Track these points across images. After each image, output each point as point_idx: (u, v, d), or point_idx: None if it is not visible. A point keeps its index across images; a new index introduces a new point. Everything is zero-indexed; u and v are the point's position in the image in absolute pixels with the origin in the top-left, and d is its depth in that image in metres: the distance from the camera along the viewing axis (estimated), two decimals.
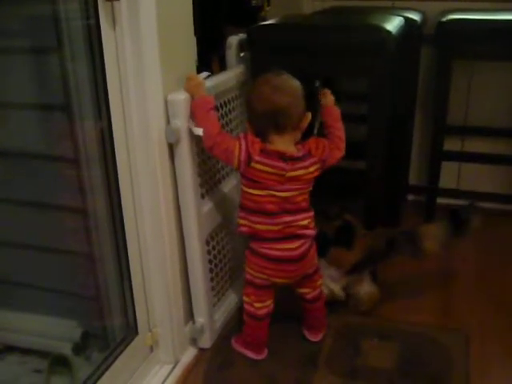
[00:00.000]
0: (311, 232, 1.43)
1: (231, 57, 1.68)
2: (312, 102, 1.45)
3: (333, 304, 1.65)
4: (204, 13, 1.58)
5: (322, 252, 1.52)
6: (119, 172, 1.30)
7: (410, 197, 2.48)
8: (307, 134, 1.43)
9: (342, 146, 1.46)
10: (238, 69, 1.67)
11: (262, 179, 1.35)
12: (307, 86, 1.40)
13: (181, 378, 1.46)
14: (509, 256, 2.05)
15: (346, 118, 1.50)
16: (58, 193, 1.45)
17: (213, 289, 1.58)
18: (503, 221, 2.31)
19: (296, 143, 1.38)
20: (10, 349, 1.55)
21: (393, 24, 1.65)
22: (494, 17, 1.97)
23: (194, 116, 1.34)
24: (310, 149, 1.39)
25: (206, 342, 1.55)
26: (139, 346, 1.43)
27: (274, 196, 1.36)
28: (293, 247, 1.40)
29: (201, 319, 1.52)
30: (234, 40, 1.67)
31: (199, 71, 1.46)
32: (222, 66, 1.71)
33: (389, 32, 1.55)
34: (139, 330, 1.43)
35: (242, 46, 1.70)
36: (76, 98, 1.31)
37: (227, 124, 1.59)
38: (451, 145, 2.27)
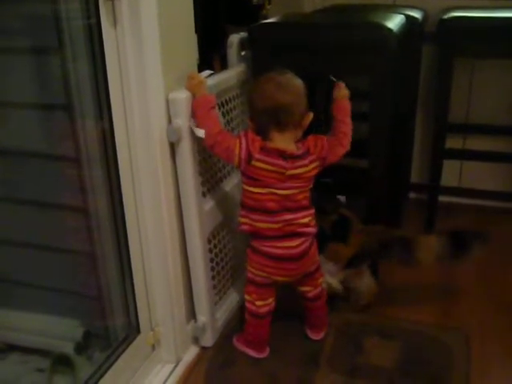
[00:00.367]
0: (312, 230, 1.43)
1: (232, 55, 1.68)
2: (323, 96, 1.44)
3: (333, 298, 1.65)
4: (205, 11, 1.58)
5: (320, 247, 1.52)
6: (121, 171, 1.30)
7: (412, 195, 2.48)
8: (312, 131, 1.42)
9: (346, 142, 1.44)
10: (239, 67, 1.67)
11: (262, 177, 1.35)
12: (310, 84, 1.40)
13: (183, 377, 1.46)
14: (510, 255, 2.04)
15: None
16: (59, 192, 1.45)
17: (214, 287, 1.58)
18: (504, 219, 2.30)
19: (296, 141, 1.38)
20: (11, 348, 1.55)
21: (394, 22, 1.64)
22: (495, 14, 1.96)
23: (195, 115, 1.34)
24: (309, 147, 1.38)
25: (208, 340, 1.55)
26: (141, 345, 1.43)
27: (274, 194, 1.36)
28: (293, 245, 1.40)
29: (203, 318, 1.52)
30: (235, 38, 1.67)
31: (200, 70, 1.46)
32: (223, 65, 1.71)
33: (390, 30, 1.55)
34: (141, 329, 1.43)
35: (243, 45, 1.70)
36: (77, 97, 1.31)
37: (228, 123, 1.58)
38: (453, 143, 2.27)
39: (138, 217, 1.36)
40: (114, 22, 1.20)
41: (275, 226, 1.38)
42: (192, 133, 1.35)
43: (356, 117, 1.48)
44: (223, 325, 1.63)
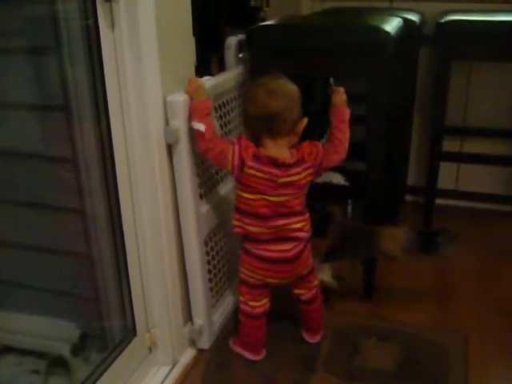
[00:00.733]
0: (304, 235, 1.42)
1: (230, 57, 1.68)
2: (320, 99, 1.44)
3: (327, 297, 1.66)
4: (203, 13, 1.58)
5: None
6: (118, 173, 1.30)
7: (409, 197, 2.49)
8: (308, 135, 1.42)
9: (342, 149, 1.42)
10: (237, 69, 1.67)
11: (254, 184, 1.35)
12: (307, 87, 1.40)
13: (179, 379, 1.45)
14: (507, 257, 2.05)
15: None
16: (55, 193, 1.44)
17: (211, 290, 1.58)
18: (501, 221, 2.31)
19: (291, 147, 1.38)
20: (7, 349, 1.55)
21: (392, 25, 1.64)
22: (492, 18, 1.97)
23: (190, 118, 1.34)
24: (303, 154, 1.37)
25: (205, 343, 1.55)
26: (138, 347, 1.42)
27: (266, 200, 1.36)
28: (286, 248, 1.40)
29: (199, 320, 1.52)
30: (232, 41, 1.67)
31: (198, 72, 1.46)
32: (221, 67, 1.71)
33: (388, 33, 1.55)
34: (137, 331, 1.43)
35: (240, 47, 1.70)
36: (74, 98, 1.30)
37: (226, 125, 1.58)
38: (450, 145, 2.27)
39: (135, 218, 1.36)
40: (112, 24, 1.20)
41: (267, 230, 1.38)
42: (190, 135, 1.35)
43: (353, 119, 1.48)
44: (220, 327, 1.63)
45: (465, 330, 1.62)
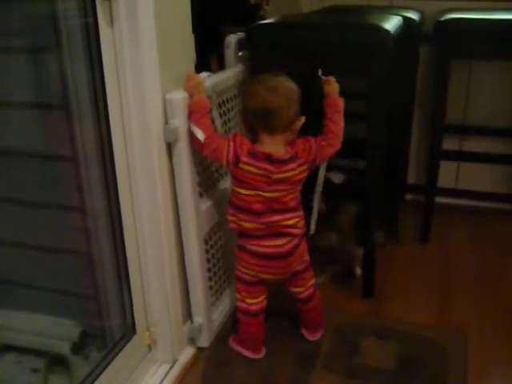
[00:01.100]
0: (298, 231, 1.43)
1: (230, 56, 1.68)
2: (316, 92, 1.43)
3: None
4: (202, 11, 1.58)
5: None
6: (117, 171, 1.30)
7: (409, 196, 2.49)
8: (306, 132, 1.42)
9: (337, 141, 1.42)
10: (237, 68, 1.66)
11: (249, 180, 1.35)
12: (306, 85, 1.39)
13: (179, 377, 1.46)
14: (507, 255, 2.05)
15: (344, 116, 1.49)
16: (55, 192, 1.44)
17: (211, 288, 1.58)
18: (501, 220, 2.31)
19: (287, 143, 1.38)
20: (7, 348, 1.55)
21: (391, 23, 1.64)
22: (492, 16, 1.96)
23: (188, 118, 1.34)
24: (297, 150, 1.38)
25: (204, 341, 1.55)
26: (137, 346, 1.43)
27: (261, 196, 1.36)
28: (280, 244, 1.40)
29: (199, 319, 1.52)
30: (232, 39, 1.67)
31: (198, 70, 1.46)
32: (221, 65, 1.71)
33: (387, 31, 1.55)
34: (137, 330, 1.43)
35: (240, 45, 1.70)
36: (74, 96, 1.30)
37: (225, 123, 1.58)
38: (449, 144, 2.27)
39: (135, 217, 1.36)
40: (111, 22, 1.19)
41: (261, 226, 1.39)
42: (189, 133, 1.35)
43: (352, 117, 1.48)
44: (219, 325, 1.63)
45: (464, 329, 1.62)
